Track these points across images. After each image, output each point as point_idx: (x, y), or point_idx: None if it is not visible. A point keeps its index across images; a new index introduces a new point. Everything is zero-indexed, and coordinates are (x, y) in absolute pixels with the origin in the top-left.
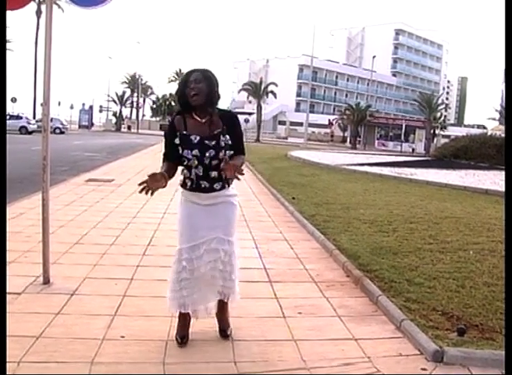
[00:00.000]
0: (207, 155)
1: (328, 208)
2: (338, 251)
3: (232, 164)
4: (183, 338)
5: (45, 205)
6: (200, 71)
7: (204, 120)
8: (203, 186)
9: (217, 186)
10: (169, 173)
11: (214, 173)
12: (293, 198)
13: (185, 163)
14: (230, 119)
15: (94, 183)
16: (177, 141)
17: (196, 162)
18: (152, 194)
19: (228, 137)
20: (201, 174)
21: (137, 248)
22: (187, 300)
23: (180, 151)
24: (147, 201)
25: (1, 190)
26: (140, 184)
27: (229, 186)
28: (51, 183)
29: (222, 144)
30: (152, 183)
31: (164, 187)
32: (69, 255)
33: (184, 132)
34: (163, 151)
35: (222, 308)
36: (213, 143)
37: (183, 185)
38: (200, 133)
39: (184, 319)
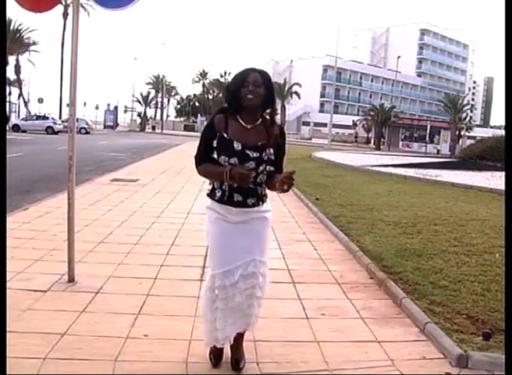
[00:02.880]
0: (246, 166)
1: (352, 209)
2: (362, 253)
3: (287, 176)
4: (218, 359)
5: (71, 204)
6: (259, 72)
7: (249, 126)
8: (235, 199)
9: (250, 201)
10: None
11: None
12: (317, 199)
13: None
14: (281, 133)
15: (119, 183)
16: (215, 143)
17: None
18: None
19: (272, 151)
20: (235, 186)
21: (161, 247)
22: (221, 334)
23: (215, 156)
24: (171, 201)
25: (1, 189)
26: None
27: (263, 203)
28: (76, 183)
29: (265, 157)
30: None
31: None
32: (94, 254)
33: (225, 135)
34: (195, 153)
35: (241, 337)
36: (256, 154)
37: (211, 195)
38: (243, 141)
39: (218, 350)
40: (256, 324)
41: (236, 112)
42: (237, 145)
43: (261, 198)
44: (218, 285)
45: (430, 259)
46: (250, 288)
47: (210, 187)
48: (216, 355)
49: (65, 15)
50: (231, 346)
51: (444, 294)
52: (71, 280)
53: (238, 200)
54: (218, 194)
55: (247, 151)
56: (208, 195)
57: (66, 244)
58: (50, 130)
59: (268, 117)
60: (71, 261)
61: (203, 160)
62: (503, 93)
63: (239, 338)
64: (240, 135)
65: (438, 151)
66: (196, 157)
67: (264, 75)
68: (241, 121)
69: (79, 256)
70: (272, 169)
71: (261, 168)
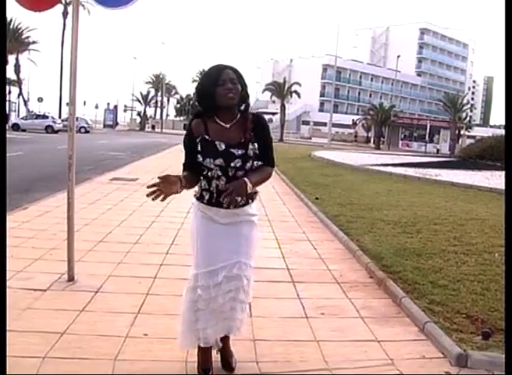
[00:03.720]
0: (232, 165)
1: (351, 208)
2: (361, 252)
3: (233, 188)
4: (207, 371)
5: (70, 203)
6: (231, 69)
7: (228, 125)
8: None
9: (240, 201)
10: (188, 181)
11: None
12: (317, 198)
13: (205, 173)
14: (258, 124)
15: (119, 182)
16: (198, 147)
17: (219, 173)
18: (164, 199)
19: (256, 145)
20: (223, 187)
21: (161, 246)
22: (202, 334)
23: (201, 159)
24: (170, 200)
25: (1, 188)
26: (149, 187)
27: (252, 201)
28: (76, 182)
29: (251, 153)
30: (165, 187)
31: (178, 192)
32: (94, 253)
33: (207, 137)
34: (183, 160)
35: (227, 339)
36: (240, 152)
37: (200, 198)
38: (225, 140)
39: (205, 352)
40: (240, 330)
41: (214, 113)
42: (220, 145)
43: (251, 196)
44: (202, 285)
45: (430, 259)
46: (233, 290)
47: (198, 189)
48: (204, 366)
49: (64, 14)
50: (221, 351)
51: (443, 294)
52: (71, 279)
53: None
54: (207, 196)
55: (232, 150)
56: (197, 198)
57: (66, 244)
58: (50, 129)
59: (253, 112)
60: (70, 260)
61: (187, 168)
62: (503, 92)
63: (225, 341)
64: (222, 135)
65: (437, 150)
66: (183, 165)
67: (236, 71)
68: (219, 121)
69: (78, 255)
70: (259, 163)
71: (248, 165)
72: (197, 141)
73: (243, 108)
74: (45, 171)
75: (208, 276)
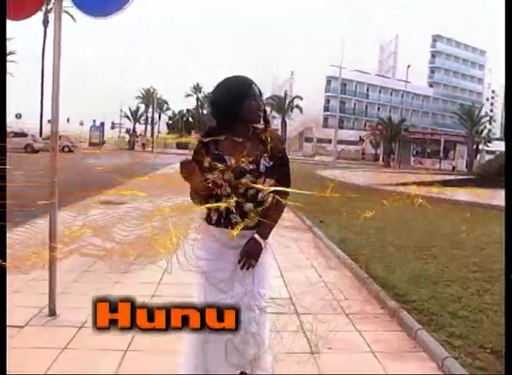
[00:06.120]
0: (243, 181)
1: (359, 232)
2: (371, 280)
3: (246, 253)
4: None
5: (53, 229)
6: (255, 84)
7: (241, 139)
8: (234, 221)
9: (251, 222)
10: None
11: (249, 205)
12: (321, 222)
13: (213, 191)
14: (272, 139)
15: (107, 205)
16: (206, 163)
17: (228, 190)
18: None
19: (268, 160)
20: (233, 205)
21: (153, 274)
22: (212, 367)
23: (209, 176)
24: (164, 225)
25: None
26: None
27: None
28: (59, 205)
29: (263, 168)
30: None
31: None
32: (78, 285)
33: (216, 152)
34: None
35: None
36: (251, 167)
37: (207, 219)
38: (236, 155)
39: None
40: (259, 367)
41: (229, 128)
42: (230, 160)
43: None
44: None
45: (447, 287)
46: (244, 322)
47: (205, 211)
48: None
49: (45, 22)
50: None
51: (464, 326)
52: (52, 313)
53: (237, 221)
54: (214, 217)
55: (242, 165)
56: (205, 219)
57: (47, 274)
58: (29, 148)
59: (261, 126)
60: (52, 292)
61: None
62: None
63: None
64: (233, 150)
65: (453, 167)
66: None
67: (253, 84)
68: (232, 136)
69: (61, 287)
70: (272, 181)
71: (259, 181)
72: (207, 157)
73: (262, 125)
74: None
75: None
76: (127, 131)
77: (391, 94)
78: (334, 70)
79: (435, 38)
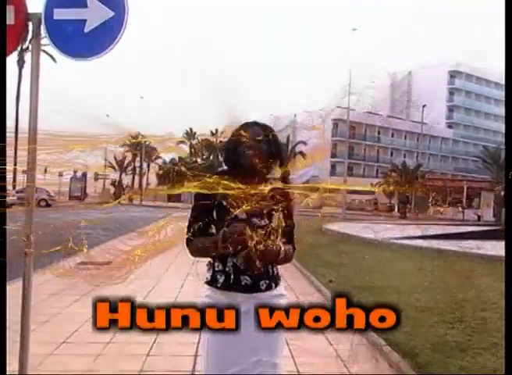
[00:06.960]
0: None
1: (373, 292)
2: (389, 348)
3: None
4: None
5: (26, 295)
6: (260, 125)
7: (253, 191)
8: (243, 283)
9: (263, 284)
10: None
11: (260, 265)
12: (330, 281)
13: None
14: (284, 193)
15: (88, 267)
16: (214, 214)
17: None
18: None
19: (282, 216)
20: (243, 265)
21: (141, 346)
22: None
23: (214, 230)
24: (152, 288)
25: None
26: None
27: (277, 285)
28: (34, 267)
29: (275, 224)
30: None
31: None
32: (54, 358)
33: (224, 202)
34: (186, 230)
35: None
36: (263, 222)
37: (212, 282)
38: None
39: None
40: None
41: (237, 175)
42: (241, 212)
43: (276, 280)
44: None
45: (478, 355)
46: None
47: (209, 273)
48: None
49: (20, 62)
50: None
51: None
52: None
53: (246, 284)
54: (221, 279)
55: (254, 219)
56: (208, 283)
57: (18, 347)
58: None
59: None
60: (23, 369)
61: (197, 235)
62: None
63: None
64: (242, 201)
65: (479, 217)
66: (187, 233)
67: (266, 128)
68: (242, 185)
69: (35, 362)
70: (283, 240)
71: (272, 237)
72: (214, 205)
73: (280, 175)
74: None
75: None
76: (112, 183)
77: (405, 137)
78: (341, 112)
79: (453, 74)
